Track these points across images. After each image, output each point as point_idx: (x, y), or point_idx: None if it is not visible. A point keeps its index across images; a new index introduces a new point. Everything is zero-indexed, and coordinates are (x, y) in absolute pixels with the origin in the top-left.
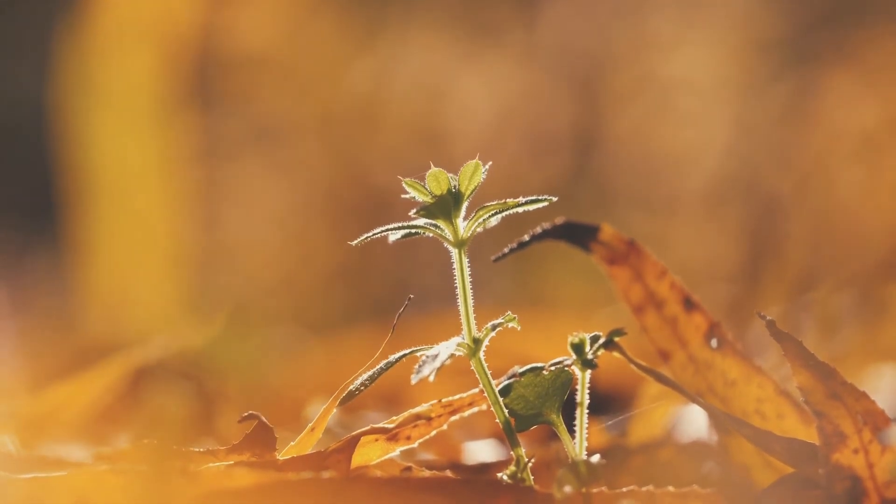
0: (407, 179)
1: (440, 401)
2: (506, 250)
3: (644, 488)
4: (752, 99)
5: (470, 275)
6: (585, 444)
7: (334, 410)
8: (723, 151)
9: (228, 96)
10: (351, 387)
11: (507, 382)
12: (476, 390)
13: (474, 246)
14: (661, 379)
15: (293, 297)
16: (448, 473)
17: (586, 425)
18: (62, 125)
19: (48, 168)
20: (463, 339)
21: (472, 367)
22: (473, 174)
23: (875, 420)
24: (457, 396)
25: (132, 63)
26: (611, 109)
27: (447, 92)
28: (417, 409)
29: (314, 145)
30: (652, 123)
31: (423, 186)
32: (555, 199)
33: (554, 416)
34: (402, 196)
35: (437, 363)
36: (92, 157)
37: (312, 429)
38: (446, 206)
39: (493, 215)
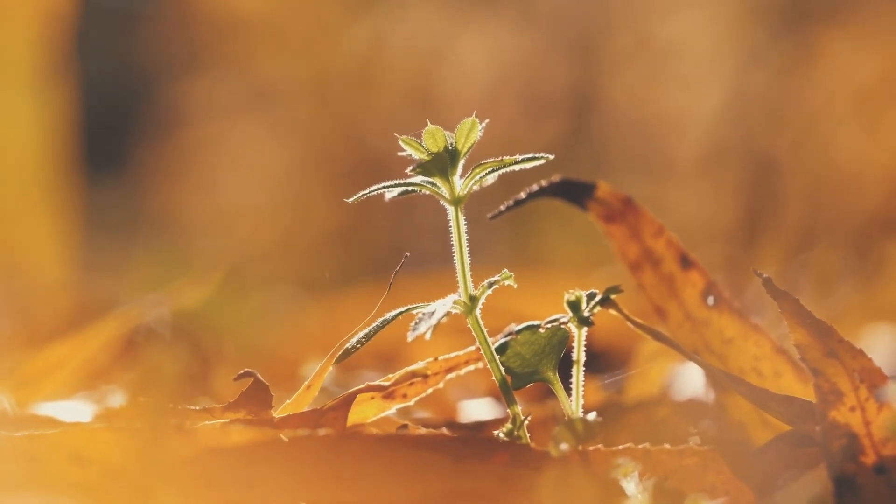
0: (403, 137)
1: (436, 359)
2: (502, 208)
3: (640, 446)
4: (748, 61)
5: (467, 235)
6: (582, 401)
7: (330, 369)
8: (719, 113)
9: (224, 59)
10: (347, 345)
11: (503, 340)
12: (472, 348)
13: (471, 209)
14: (657, 336)
15: (290, 258)
16: (444, 431)
17: (583, 383)
18: None
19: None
20: (459, 296)
21: (469, 325)
22: (470, 132)
23: (872, 378)
24: (453, 354)
25: (3, 33)
26: (608, 73)
27: (444, 55)
28: (413, 367)
29: (310, 108)
30: (649, 86)
31: (420, 144)
32: (551, 156)
33: (550, 374)
34: (399, 154)
35: (434, 320)
36: None
37: (308, 387)
38: (443, 163)
39: (489, 173)
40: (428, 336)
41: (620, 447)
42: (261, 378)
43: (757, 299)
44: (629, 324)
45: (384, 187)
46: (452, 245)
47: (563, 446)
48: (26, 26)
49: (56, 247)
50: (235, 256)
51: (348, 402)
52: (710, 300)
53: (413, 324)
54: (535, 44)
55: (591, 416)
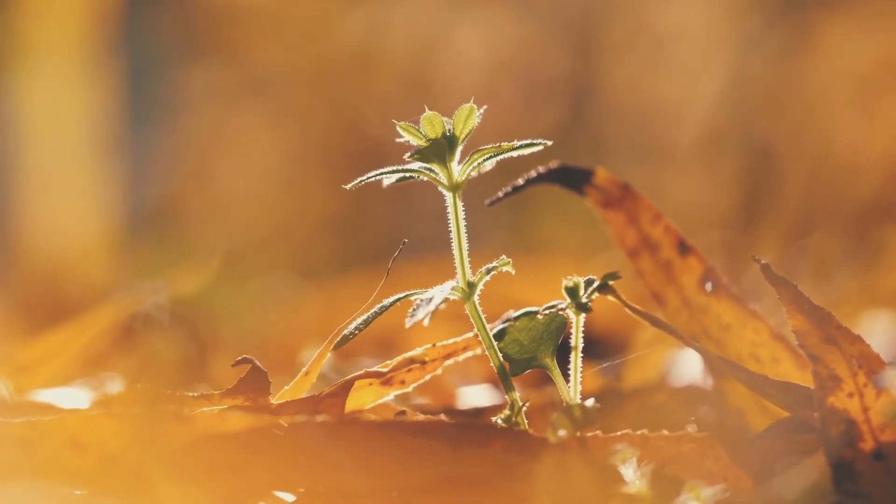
0: (401, 123)
1: (435, 345)
2: (500, 194)
3: (638, 432)
4: (746, 47)
5: (465, 221)
6: (580, 388)
7: (328, 355)
8: (717, 100)
9: (222, 47)
10: (345, 331)
11: (501, 326)
12: (470, 334)
13: (470, 197)
14: (655, 322)
15: (288, 245)
16: (442, 418)
17: (581, 369)
18: None
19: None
20: (457, 283)
21: (467, 312)
22: (468, 118)
23: (870, 364)
24: (451, 341)
25: (58, 10)
26: (606, 59)
27: (442, 42)
28: (411, 353)
29: (308, 96)
30: (647, 73)
31: (418, 130)
32: (549, 142)
33: (548, 360)
34: (397, 140)
35: (432, 307)
36: (18, 105)
37: (306, 373)
38: (441, 149)
39: (487, 159)
40: (426, 322)
41: (618, 433)
42: (259, 364)
43: (755, 285)
44: (627, 310)
45: (382, 174)
46: (450, 231)
47: (562, 433)
48: (72, 17)
49: (96, 234)
50: (233, 243)
51: (346, 388)
52: (708, 286)
53: (411, 310)
54: (534, 31)
55: (590, 402)
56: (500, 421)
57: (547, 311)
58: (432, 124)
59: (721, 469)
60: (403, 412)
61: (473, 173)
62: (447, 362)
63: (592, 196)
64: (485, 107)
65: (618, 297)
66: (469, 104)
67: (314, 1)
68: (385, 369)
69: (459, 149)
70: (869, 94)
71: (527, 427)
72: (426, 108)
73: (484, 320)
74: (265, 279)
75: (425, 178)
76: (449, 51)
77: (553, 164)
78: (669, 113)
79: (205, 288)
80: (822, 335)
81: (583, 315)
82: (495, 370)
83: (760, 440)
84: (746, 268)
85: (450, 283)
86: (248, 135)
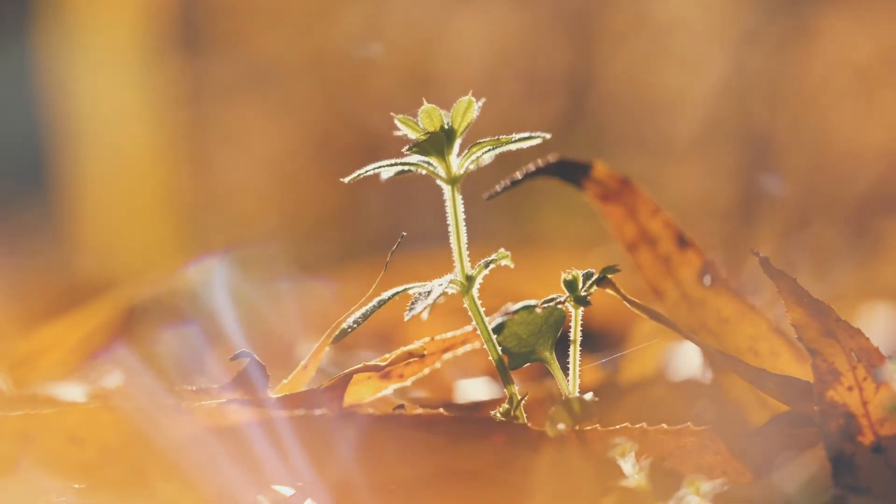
0: (400, 116)
1: (433, 338)
2: (498, 188)
3: (637, 426)
4: (746, 39)
5: (464, 214)
6: (578, 381)
7: (327, 349)
8: (717, 91)
9: (221, 39)
10: (344, 325)
11: (500, 320)
12: (469, 328)
13: (469, 189)
14: (654, 316)
15: (287, 237)
16: (441, 411)
17: (579, 363)
18: (45, 70)
19: (32, 114)
20: (456, 276)
21: (465, 305)
22: (466, 111)
23: (869, 357)
24: (450, 334)
25: (115, 5)
26: (606, 52)
27: (441, 34)
28: (410, 347)
29: (307, 88)
30: (647, 65)
31: (416, 123)
32: (548, 135)
33: (547, 354)
34: (395, 133)
35: (430, 300)
36: (76, 101)
37: (305, 367)
38: (439, 142)
39: (486, 152)
40: (425, 316)
41: (617, 427)
42: (257, 358)
43: (754, 279)
44: (626, 303)
45: (380, 167)
46: (449, 225)
47: (560, 426)
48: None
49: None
50: (232, 236)
51: (345, 382)
52: (707, 280)
53: (410, 304)
54: (533, 22)
55: (588, 396)
56: (498, 414)
57: (546, 305)
58: (430, 117)
59: (720, 463)
60: (402, 406)
61: (472, 166)
62: (446, 356)
63: (591, 189)
64: (483, 99)
65: (617, 290)
66: (467, 97)
67: None
68: (384, 363)
69: (458, 142)
70: (869, 86)
71: (525, 421)
72: (424, 101)
73: (483, 314)
74: (263, 272)
75: (424, 172)
76: (448, 43)
77: (552, 158)
78: (669, 105)
79: (203, 281)
80: (821, 329)
81: (581, 308)
82: (494, 364)
83: (760, 434)
84: (745, 261)
85: (448, 277)
86: (246, 127)
